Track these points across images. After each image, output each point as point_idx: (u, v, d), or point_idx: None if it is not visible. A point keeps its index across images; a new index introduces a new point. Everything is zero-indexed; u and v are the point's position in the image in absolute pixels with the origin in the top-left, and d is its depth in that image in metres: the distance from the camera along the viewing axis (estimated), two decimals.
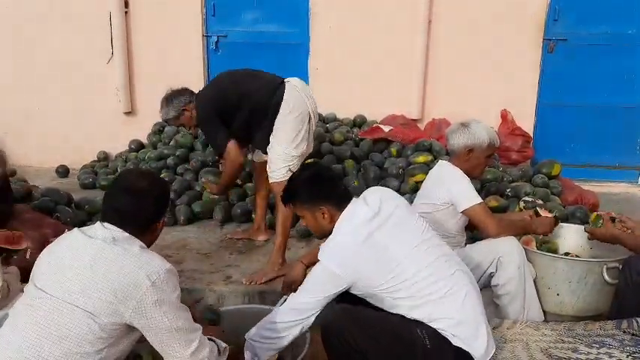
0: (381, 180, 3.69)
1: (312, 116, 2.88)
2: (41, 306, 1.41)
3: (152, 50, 4.80)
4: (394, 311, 1.79)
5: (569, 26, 4.54)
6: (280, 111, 2.77)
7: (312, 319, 1.82)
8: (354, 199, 1.91)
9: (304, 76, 4.77)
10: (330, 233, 1.87)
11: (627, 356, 1.89)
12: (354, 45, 4.66)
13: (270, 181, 2.89)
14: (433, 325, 1.74)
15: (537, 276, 2.44)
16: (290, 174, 2.72)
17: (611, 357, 1.89)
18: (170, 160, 4.00)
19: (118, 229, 1.49)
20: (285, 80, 2.89)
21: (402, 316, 1.79)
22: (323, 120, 4.50)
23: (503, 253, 2.28)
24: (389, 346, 1.71)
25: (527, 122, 4.59)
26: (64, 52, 4.88)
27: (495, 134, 2.48)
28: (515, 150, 4.29)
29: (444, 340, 1.73)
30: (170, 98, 2.97)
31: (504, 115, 4.49)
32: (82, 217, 3.38)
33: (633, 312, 2.10)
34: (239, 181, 3.71)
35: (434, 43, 4.59)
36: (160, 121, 3.85)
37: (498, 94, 4.55)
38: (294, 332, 1.82)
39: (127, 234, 1.49)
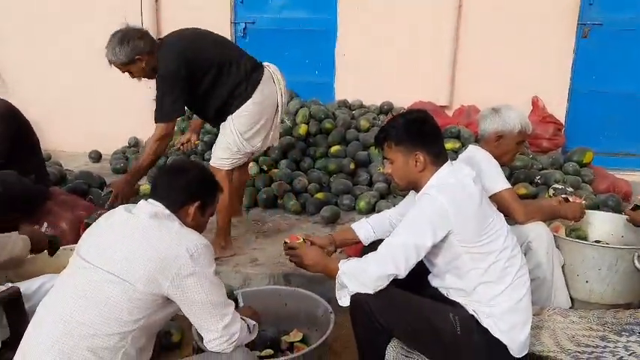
0: None
1: (279, 109, 2.75)
2: (84, 275, 1.48)
3: None
4: (460, 281, 1.76)
5: (605, 11, 4.39)
6: (253, 95, 2.57)
7: (402, 271, 1.68)
8: (449, 161, 1.83)
9: (331, 63, 4.81)
10: (412, 185, 1.84)
11: None
12: (382, 31, 4.62)
13: (212, 164, 2.68)
14: (486, 308, 1.71)
15: (566, 263, 2.41)
16: (229, 168, 2.67)
17: None
18: (200, 147, 4.07)
19: (161, 205, 1.56)
20: (265, 64, 2.71)
21: (436, 300, 1.79)
22: (349, 107, 4.50)
23: (532, 238, 2.26)
24: (417, 326, 1.71)
25: (559, 109, 4.48)
26: (97, 39, 4.96)
27: (527, 120, 2.42)
28: (546, 137, 4.21)
29: (477, 328, 1.71)
30: (125, 39, 2.50)
31: (535, 102, 4.40)
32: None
33: None
34: (264, 167, 3.75)
35: (464, 28, 4.51)
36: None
37: (530, 81, 4.45)
38: (385, 284, 1.69)
39: (168, 211, 1.56)
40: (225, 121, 2.66)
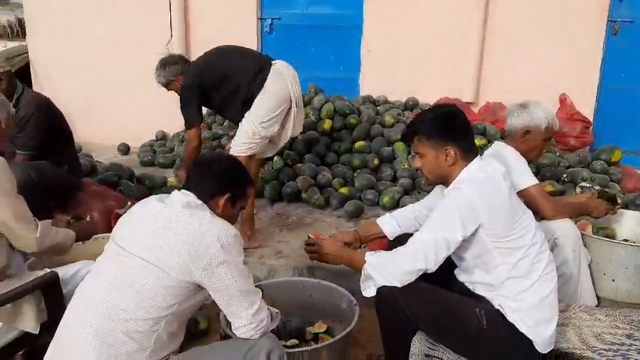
0: None
1: (293, 101, 2.92)
2: (120, 262, 1.53)
3: (209, 33, 4.91)
4: (487, 276, 1.76)
5: (636, 8, 4.32)
6: (261, 92, 2.83)
7: (432, 265, 1.69)
8: (479, 156, 1.83)
9: (356, 58, 4.81)
10: (442, 180, 1.84)
11: None
12: (408, 26, 4.61)
13: (230, 151, 2.96)
14: (512, 303, 1.71)
15: (593, 261, 2.39)
16: (248, 153, 2.89)
17: None
18: (225, 140, 4.14)
19: (194, 195, 1.61)
20: (272, 62, 2.93)
21: (463, 294, 1.80)
22: (373, 102, 4.51)
23: (559, 234, 2.25)
24: (443, 319, 1.72)
25: (587, 107, 4.42)
26: (126, 34, 5.10)
27: (555, 117, 2.40)
28: (574, 135, 4.16)
29: (503, 322, 1.71)
30: (164, 64, 3.06)
31: (563, 100, 4.34)
32: (143, 191, 3.56)
33: None
34: (289, 161, 3.80)
35: (490, 24, 4.48)
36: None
37: (557, 78, 4.40)
38: (414, 278, 1.70)
39: (200, 201, 1.60)
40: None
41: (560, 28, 4.38)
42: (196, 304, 1.61)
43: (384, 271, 1.73)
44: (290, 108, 2.95)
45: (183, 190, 1.64)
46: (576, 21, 4.36)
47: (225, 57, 3.01)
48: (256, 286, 2.16)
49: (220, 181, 1.66)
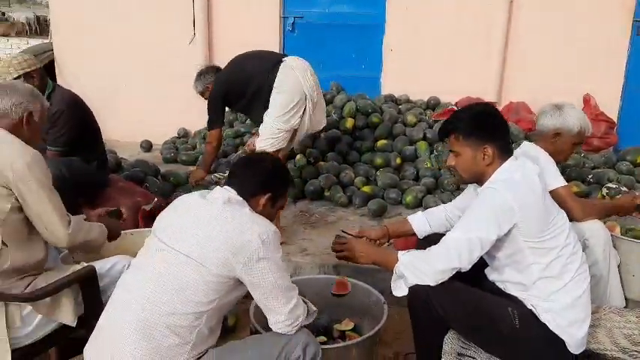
0: None
1: (307, 95, 3.01)
2: (161, 256, 1.56)
3: (232, 31, 4.98)
4: (519, 275, 1.76)
5: None
6: (273, 89, 2.98)
7: (466, 264, 1.70)
8: (514, 156, 1.83)
9: (378, 57, 4.82)
10: (476, 179, 1.83)
11: None
12: (430, 26, 4.61)
13: (255, 149, 3.11)
14: (545, 303, 1.72)
15: (621, 262, 2.38)
16: (273, 148, 2.99)
17: None
18: (246, 138, 4.17)
19: (235, 192, 1.64)
20: (283, 59, 3.06)
21: (494, 293, 1.80)
22: (395, 101, 4.51)
23: (589, 235, 2.24)
24: (475, 317, 1.72)
25: (611, 107, 4.39)
26: (149, 33, 5.15)
27: (588, 122, 2.37)
28: (598, 136, 4.13)
29: (535, 322, 1.72)
30: (201, 74, 3.36)
31: (587, 100, 4.31)
32: (168, 187, 3.61)
33: None
34: (311, 159, 3.82)
35: (514, 23, 4.46)
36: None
37: (581, 78, 4.37)
38: (447, 277, 1.71)
39: (241, 198, 1.63)
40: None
41: (584, 28, 4.35)
42: (235, 299, 1.64)
43: (418, 269, 1.74)
44: (306, 100, 3.02)
45: (225, 187, 1.67)
46: (601, 21, 4.32)
47: (245, 63, 3.19)
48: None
49: (263, 181, 1.69)
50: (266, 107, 3.04)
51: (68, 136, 2.98)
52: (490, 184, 1.75)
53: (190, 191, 3.41)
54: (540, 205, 1.71)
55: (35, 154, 1.80)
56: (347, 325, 2.32)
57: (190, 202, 1.67)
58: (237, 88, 3.15)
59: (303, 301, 1.71)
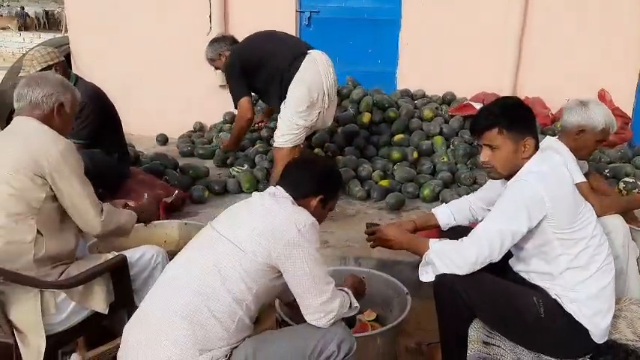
0: (471, 157, 3.69)
1: (326, 92, 2.98)
2: (211, 243, 1.61)
3: (248, 26, 4.87)
4: (547, 266, 1.78)
5: None
6: (293, 80, 2.93)
7: (496, 256, 1.73)
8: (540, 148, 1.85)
9: (394, 52, 4.83)
10: (512, 173, 1.81)
11: None
12: (445, 21, 4.62)
13: (274, 144, 3.10)
14: (571, 293, 1.74)
15: None
16: (292, 144, 2.98)
17: None
18: (264, 132, 4.19)
19: (283, 190, 1.69)
20: (308, 51, 3.01)
21: (520, 283, 1.83)
22: (411, 96, 4.53)
23: (609, 230, 2.24)
24: (501, 306, 1.75)
25: (626, 103, 4.39)
26: (165, 27, 5.18)
27: (613, 120, 2.36)
28: (613, 132, 4.12)
29: (560, 312, 1.74)
30: (214, 41, 3.26)
31: (602, 95, 4.32)
32: (187, 180, 3.64)
33: None
34: (329, 153, 3.84)
35: (530, 18, 4.46)
36: (254, 94, 4.07)
37: (596, 73, 4.38)
38: (478, 267, 1.74)
39: (287, 194, 1.68)
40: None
41: (599, 23, 4.35)
42: (275, 289, 1.66)
43: (448, 259, 1.77)
44: (323, 97, 3.00)
45: (277, 186, 1.72)
46: (615, 16, 4.32)
47: (266, 41, 3.13)
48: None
49: (317, 183, 1.72)
50: (283, 96, 2.99)
51: (91, 128, 3.02)
52: (520, 177, 1.77)
53: (208, 185, 3.51)
54: (569, 197, 1.73)
55: (68, 144, 1.84)
56: (369, 315, 2.36)
57: (250, 198, 1.74)
58: (254, 64, 3.05)
59: (347, 293, 1.73)
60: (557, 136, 2.46)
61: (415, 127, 3.97)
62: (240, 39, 3.35)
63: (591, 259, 1.75)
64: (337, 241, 2.93)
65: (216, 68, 3.36)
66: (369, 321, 2.33)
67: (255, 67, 3.06)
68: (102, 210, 1.91)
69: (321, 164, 1.82)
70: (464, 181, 3.51)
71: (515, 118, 1.79)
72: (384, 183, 3.58)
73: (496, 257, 1.74)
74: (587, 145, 2.37)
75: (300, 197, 1.69)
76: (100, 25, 5.38)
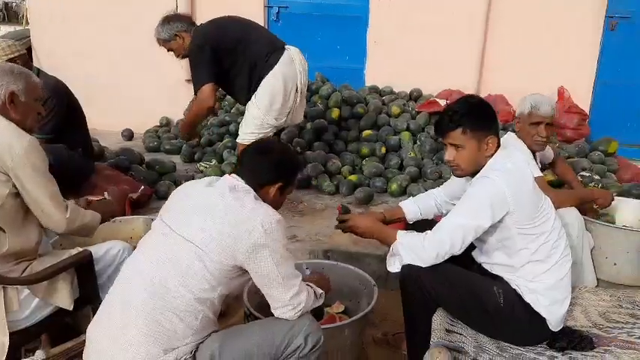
0: (437, 152, 3.78)
1: (299, 90, 2.93)
2: (167, 241, 1.56)
3: None
4: (509, 259, 1.83)
5: (633, 4, 4.45)
6: (270, 73, 2.80)
7: (458, 249, 1.78)
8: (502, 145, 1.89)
9: (362, 49, 4.88)
10: (476, 171, 1.85)
11: None
12: (413, 19, 4.68)
13: (239, 140, 2.99)
14: (530, 284, 1.80)
15: (595, 246, 2.52)
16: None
17: None
18: (232, 127, 4.19)
19: (242, 180, 1.64)
20: (286, 47, 2.92)
21: (481, 274, 1.89)
22: (379, 93, 4.59)
23: (565, 222, 2.34)
24: (463, 296, 1.81)
25: (584, 100, 4.55)
26: (129, 21, 5.08)
27: (544, 102, 2.38)
28: (571, 127, 4.29)
29: (519, 302, 1.81)
30: (168, 19, 2.93)
31: (561, 92, 4.47)
32: (154, 176, 3.60)
33: None
34: (298, 149, 3.87)
35: (493, 18, 4.57)
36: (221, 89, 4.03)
37: (556, 71, 4.52)
38: (440, 261, 1.79)
39: (247, 186, 1.62)
40: (249, 99, 2.92)
41: (559, 23, 4.49)
42: (240, 286, 1.66)
43: (413, 251, 1.82)
44: (295, 95, 2.97)
45: (233, 175, 1.66)
46: (575, 16, 4.47)
47: (241, 28, 2.93)
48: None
49: (276, 170, 1.68)
50: (252, 89, 2.86)
51: (54, 122, 2.95)
52: (485, 173, 1.81)
53: (175, 181, 3.47)
54: (531, 194, 1.79)
55: (32, 140, 1.80)
56: (338, 307, 2.39)
57: (196, 188, 1.67)
58: (226, 50, 2.83)
59: (309, 285, 1.72)
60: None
61: (383, 122, 4.04)
62: None
63: (550, 252, 1.82)
64: (306, 235, 2.96)
65: (170, 50, 3.02)
66: (337, 313, 2.36)
67: (227, 54, 2.84)
68: (66, 207, 1.88)
69: (279, 151, 1.75)
70: (430, 176, 3.59)
71: (478, 118, 1.82)
72: (353, 178, 3.63)
73: (458, 251, 1.79)
74: (525, 131, 2.43)
75: (259, 186, 1.66)
76: (63, 18, 5.24)
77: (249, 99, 2.94)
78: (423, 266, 1.80)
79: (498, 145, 1.87)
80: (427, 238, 1.81)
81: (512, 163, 1.81)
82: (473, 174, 1.89)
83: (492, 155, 1.83)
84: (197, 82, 2.87)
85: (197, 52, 2.84)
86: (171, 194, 1.73)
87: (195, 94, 2.94)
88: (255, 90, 2.87)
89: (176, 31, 2.90)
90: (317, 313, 2.33)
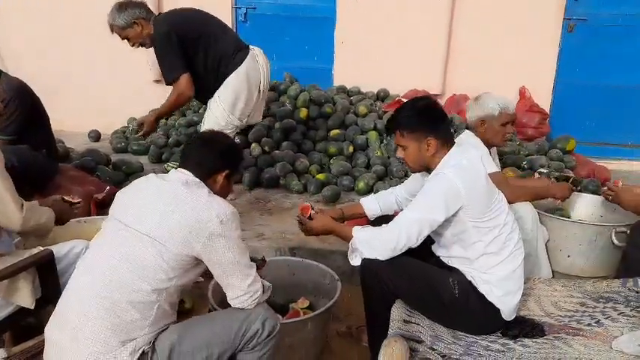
0: None
1: (261, 91, 2.97)
2: (122, 236, 1.59)
3: None
4: (464, 252, 1.91)
5: (590, 7, 4.60)
6: (235, 72, 2.81)
7: (414, 242, 1.84)
8: (456, 143, 1.97)
9: (330, 49, 4.93)
10: (424, 168, 1.96)
11: (630, 310, 2.05)
12: (379, 19, 4.74)
13: None
14: (484, 276, 1.88)
15: (550, 239, 2.62)
16: None
17: (615, 310, 2.06)
18: (200, 127, 4.18)
19: (191, 174, 1.68)
20: (251, 47, 2.95)
21: (438, 266, 1.96)
22: (347, 93, 4.65)
23: (519, 216, 2.44)
24: (420, 288, 1.88)
25: (544, 99, 4.68)
26: (95, 20, 5.00)
27: (507, 102, 2.52)
28: (532, 126, 4.42)
29: (473, 292, 1.89)
30: (124, 5, 2.79)
31: (523, 92, 4.60)
32: (120, 177, 3.59)
33: (638, 272, 2.25)
34: (267, 149, 3.90)
35: (457, 20, 4.67)
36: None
37: (518, 72, 4.64)
38: (397, 254, 1.86)
39: (198, 179, 1.67)
40: (212, 97, 2.90)
41: (520, 25, 4.61)
42: (195, 276, 1.69)
43: (370, 246, 1.88)
44: (257, 95, 3.00)
45: (180, 169, 1.70)
46: (535, 19, 4.60)
47: (205, 21, 2.90)
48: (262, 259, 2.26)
49: (221, 159, 1.74)
50: (214, 86, 2.85)
51: (17, 124, 2.93)
52: (439, 170, 1.88)
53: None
54: (484, 188, 1.86)
55: None
56: (302, 303, 2.44)
57: (148, 183, 1.69)
58: (191, 43, 2.75)
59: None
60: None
61: (350, 122, 4.10)
62: None
63: (503, 245, 1.90)
64: (273, 233, 2.99)
65: (125, 38, 2.88)
66: (302, 308, 2.41)
67: (191, 44, 2.77)
68: (22, 206, 1.87)
69: (221, 140, 1.81)
70: (396, 174, 3.66)
71: (415, 121, 1.92)
72: (321, 176, 3.68)
73: (414, 244, 1.86)
74: (495, 132, 2.52)
75: (207, 176, 1.70)
76: (29, 18, 5.15)
77: (209, 96, 2.92)
78: (381, 260, 1.86)
79: (451, 143, 1.94)
80: (384, 232, 1.88)
81: (467, 159, 1.88)
82: (427, 170, 1.97)
83: (435, 154, 1.91)
84: (171, 71, 2.78)
85: (165, 39, 2.74)
86: (119, 193, 1.74)
87: (169, 83, 2.86)
88: (217, 87, 2.88)
89: (134, 18, 2.78)
90: (283, 311, 2.39)
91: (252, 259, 1.81)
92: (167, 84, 2.90)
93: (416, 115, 1.93)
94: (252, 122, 3.21)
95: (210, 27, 2.88)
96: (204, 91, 2.90)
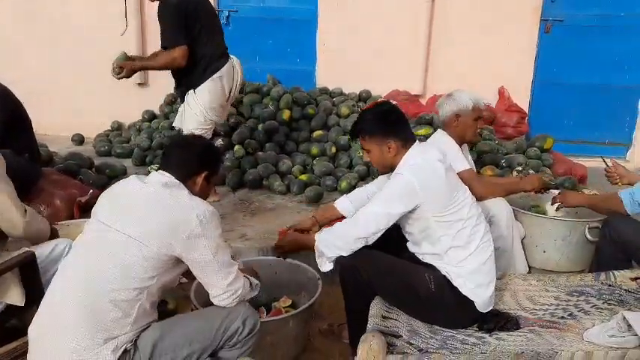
0: None
1: (231, 96, 3.16)
2: (104, 237, 1.62)
3: None
4: (433, 247, 1.98)
5: (566, 8, 4.71)
6: (216, 74, 2.97)
7: (372, 234, 1.94)
8: (417, 142, 2.07)
9: (312, 51, 4.98)
10: (391, 168, 2.04)
11: (603, 303, 2.13)
12: (361, 22, 4.80)
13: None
14: (456, 269, 1.94)
15: (526, 235, 2.69)
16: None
17: (588, 303, 2.14)
18: (174, 119, 4.16)
19: (171, 175, 1.71)
20: (231, 56, 3.11)
21: (414, 261, 2.02)
22: (329, 94, 4.69)
23: (494, 213, 2.52)
24: (397, 284, 1.94)
25: (523, 99, 4.77)
26: (78, 23, 5.01)
27: (480, 98, 2.62)
28: (511, 125, 4.50)
29: (448, 286, 1.95)
30: None
31: (502, 92, 4.69)
32: (103, 180, 3.58)
33: (611, 266, 2.34)
34: (250, 150, 3.93)
35: (436, 21, 4.74)
36: (172, 92, 4.02)
37: (497, 72, 4.73)
38: (358, 246, 1.95)
39: (177, 181, 1.70)
40: (187, 93, 3.03)
41: (498, 27, 4.69)
42: (177, 275, 1.73)
43: (332, 244, 1.97)
44: (227, 99, 3.17)
45: (160, 171, 1.73)
46: (513, 20, 4.69)
47: (212, 15, 3.07)
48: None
49: (199, 161, 1.78)
50: (196, 78, 2.97)
51: None
52: (398, 170, 1.98)
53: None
54: (442, 185, 1.94)
55: None
56: (285, 302, 2.48)
57: (129, 185, 1.72)
58: (190, 18, 2.85)
59: (245, 276, 1.81)
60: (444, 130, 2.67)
61: (333, 123, 4.14)
62: (157, 38, 3.08)
63: (469, 238, 1.97)
64: (256, 233, 3.02)
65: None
66: (284, 307, 2.45)
67: (191, 31, 2.87)
68: (25, 211, 1.89)
69: (199, 143, 1.87)
70: (378, 174, 3.70)
71: (374, 126, 2.03)
72: (304, 177, 3.71)
73: (372, 236, 1.94)
74: (468, 126, 2.59)
75: (187, 177, 1.74)
76: (11, 21, 5.12)
77: (188, 86, 3.01)
78: (345, 255, 1.95)
79: (411, 143, 2.03)
80: (342, 227, 1.98)
81: (423, 158, 1.98)
82: (392, 170, 2.05)
83: (397, 155, 2.01)
84: (172, 39, 2.86)
85: (174, 10, 2.83)
86: (102, 195, 1.77)
87: (165, 48, 2.94)
88: (194, 84, 2.98)
89: None
90: (265, 309, 2.43)
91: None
92: (162, 47, 2.99)
93: (375, 120, 2.04)
94: (222, 121, 3.40)
95: (213, 23, 3.02)
96: (182, 76, 3.00)
